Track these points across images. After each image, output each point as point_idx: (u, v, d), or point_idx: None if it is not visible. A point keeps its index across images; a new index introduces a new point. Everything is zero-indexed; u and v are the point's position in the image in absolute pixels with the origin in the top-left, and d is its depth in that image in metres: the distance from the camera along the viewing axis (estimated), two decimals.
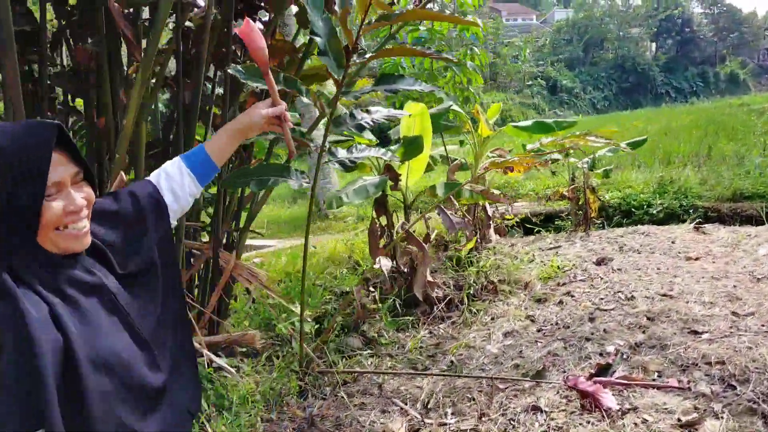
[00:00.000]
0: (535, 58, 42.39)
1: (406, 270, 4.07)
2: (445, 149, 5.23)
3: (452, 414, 2.81)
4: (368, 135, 3.94)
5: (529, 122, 4.78)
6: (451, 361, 3.35)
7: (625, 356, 3.07)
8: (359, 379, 3.19)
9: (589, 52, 45.50)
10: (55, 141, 1.00)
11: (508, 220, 5.66)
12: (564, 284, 4.35)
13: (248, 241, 7.77)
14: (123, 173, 2.08)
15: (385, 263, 2.99)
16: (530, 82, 40.32)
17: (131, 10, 2.34)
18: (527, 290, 4.29)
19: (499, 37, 41.56)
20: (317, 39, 2.26)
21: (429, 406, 2.91)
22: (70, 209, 1.03)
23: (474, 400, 2.90)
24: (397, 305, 3.93)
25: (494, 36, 40.62)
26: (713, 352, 2.89)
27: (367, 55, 2.23)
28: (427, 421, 2.77)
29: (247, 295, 4.20)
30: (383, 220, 4.11)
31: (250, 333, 2.95)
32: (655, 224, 6.42)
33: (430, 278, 3.92)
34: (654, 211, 6.89)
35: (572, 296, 4.07)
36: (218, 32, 2.75)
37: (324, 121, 2.62)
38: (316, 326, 3.43)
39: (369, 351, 3.52)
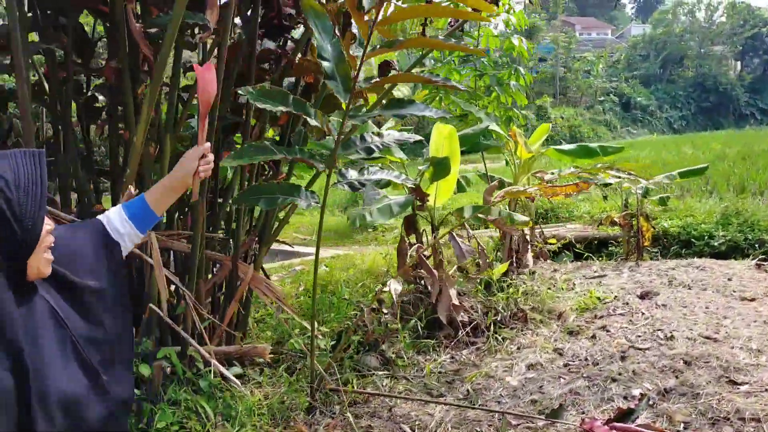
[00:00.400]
0: (608, 74, 40.99)
1: (431, 291, 3.99)
2: (485, 169, 5.12)
3: None
4: (399, 153, 3.93)
5: (572, 146, 4.61)
6: (468, 390, 3.25)
7: (651, 402, 2.88)
8: (370, 401, 3.16)
9: (667, 69, 43.50)
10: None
11: (551, 244, 5.46)
12: (601, 317, 4.14)
13: (296, 249, 7.92)
14: (132, 186, 2.16)
15: (395, 287, 2.95)
16: (602, 98, 39.01)
17: (152, 30, 2.44)
18: (560, 321, 4.11)
19: (571, 51, 40.52)
20: (325, 63, 2.27)
21: None
22: (49, 229, 1.13)
23: None
24: (420, 327, 3.86)
25: (565, 50, 39.63)
26: (749, 407, 2.66)
27: (373, 80, 2.22)
28: None
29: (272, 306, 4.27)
30: (413, 239, 4.07)
31: (261, 346, 2.98)
32: (715, 257, 6.01)
33: (455, 301, 3.83)
34: (716, 243, 6.45)
35: (607, 331, 3.87)
36: (243, 52, 2.82)
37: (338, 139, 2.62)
38: (332, 342, 3.42)
39: (386, 372, 3.47)
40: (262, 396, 2.98)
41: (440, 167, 3.63)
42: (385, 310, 3.07)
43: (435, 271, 3.10)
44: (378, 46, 2.09)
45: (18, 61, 2.03)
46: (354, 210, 3.75)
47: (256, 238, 3.31)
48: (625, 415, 2.77)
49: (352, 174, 2.64)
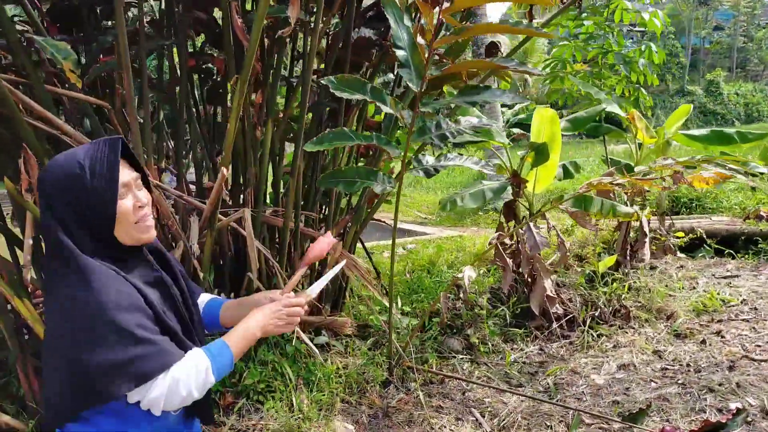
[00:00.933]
0: None
1: (528, 280, 3.91)
2: (606, 154, 4.82)
3: None
4: (501, 138, 3.87)
5: (704, 131, 4.16)
6: (549, 384, 3.18)
7: (750, 419, 2.60)
8: (446, 382, 3.23)
9: None
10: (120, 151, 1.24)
11: (678, 237, 4.99)
12: (719, 321, 3.75)
13: (410, 226, 8.09)
14: (224, 169, 2.43)
15: (469, 273, 2.94)
16: None
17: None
18: (668, 322, 3.80)
19: (755, 18, 35.40)
20: (399, 52, 2.34)
21: (504, 424, 2.83)
22: (138, 204, 1.26)
23: (551, 429, 2.75)
24: (509, 315, 3.82)
25: (748, 17, 34.73)
26: None
27: (442, 69, 2.24)
28: None
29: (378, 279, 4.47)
30: (512, 225, 4.00)
31: (341, 319, 3.18)
32: None
33: (550, 292, 3.72)
34: None
35: (722, 337, 3.51)
36: (338, 41, 2.98)
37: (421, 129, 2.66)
38: (415, 322, 3.52)
39: (468, 356, 3.51)
40: (342, 366, 3.19)
41: (539, 153, 3.51)
42: (463, 296, 3.10)
43: (509, 260, 3.04)
44: (448, 33, 2.10)
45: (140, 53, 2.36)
46: (447, 195, 3.78)
47: (352, 217, 3.49)
48: (712, 429, 2.55)
49: (429, 160, 2.69)
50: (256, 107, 3.08)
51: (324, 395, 2.98)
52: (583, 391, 3.09)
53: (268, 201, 3.50)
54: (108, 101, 2.65)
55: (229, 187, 3.24)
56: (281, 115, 3.31)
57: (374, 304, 3.75)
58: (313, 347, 2.86)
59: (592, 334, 3.68)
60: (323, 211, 3.65)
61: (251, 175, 3.05)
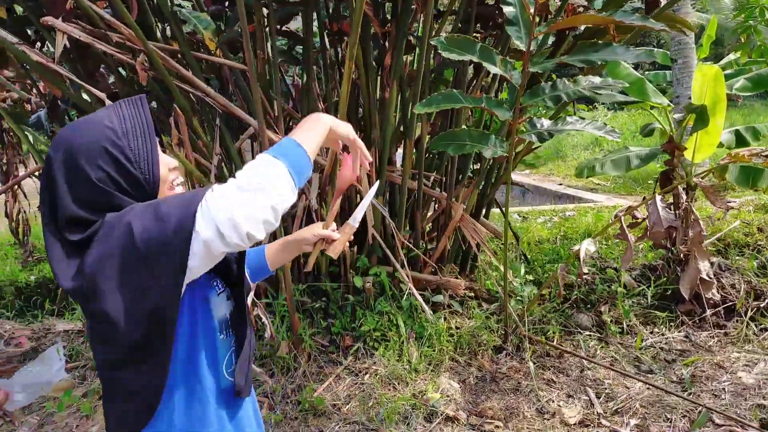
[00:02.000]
0: None
1: (683, 259, 3.48)
2: None
3: (635, 426, 2.49)
4: (659, 98, 3.46)
5: None
6: (684, 375, 2.84)
7: None
8: (564, 357, 3.07)
9: None
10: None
11: None
12: None
13: (578, 192, 7.59)
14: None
15: (586, 247, 2.69)
16: None
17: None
18: None
19: None
20: (508, 9, 2.21)
21: (618, 409, 2.63)
22: (171, 166, 1.12)
23: (671, 422, 2.48)
24: (651, 296, 3.45)
25: None
26: None
27: (552, 24, 2.06)
28: (604, 422, 2.55)
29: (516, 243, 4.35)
30: (669, 198, 3.57)
31: (455, 280, 3.19)
32: None
33: (707, 276, 3.27)
34: None
35: None
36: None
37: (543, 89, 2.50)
38: (535, 291, 3.36)
39: (597, 334, 3.28)
40: (456, 326, 3.22)
41: (699, 116, 3.05)
42: (585, 270, 2.87)
43: (631, 238, 2.70)
44: None
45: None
46: (585, 161, 3.49)
47: (476, 181, 3.45)
48: None
49: (545, 124, 2.53)
50: (385, 70, 3.18)
51: (434, 351, 3.06)
52: (724, 389, 2.71)
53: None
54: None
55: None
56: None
57: (495, 270, 3.67)
58: (423, 304, 2.93)
59: (753, 328, 3.17)
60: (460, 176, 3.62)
61: (375, 136, 3.17)
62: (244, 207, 0.90)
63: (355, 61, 2.95)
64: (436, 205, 3.53)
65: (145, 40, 2.36)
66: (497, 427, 2.58)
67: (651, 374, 2.92)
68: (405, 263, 3.02)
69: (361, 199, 1.26)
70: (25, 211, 4.92)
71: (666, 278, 3.53)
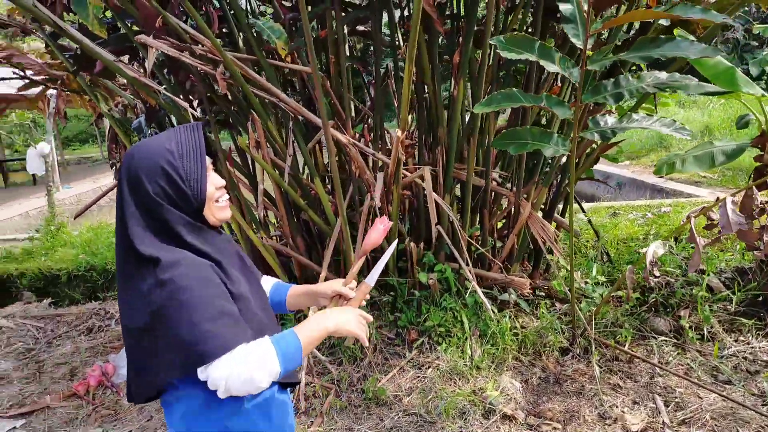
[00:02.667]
0: None
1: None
2: None
3: None
4: (752, 88, 3.22)
5: None
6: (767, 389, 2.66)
7: None
8: (635, 363, 2.97)
9: None
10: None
11: None
12: None
13: (680, 186, 7.11)
14: (398, 131, 2.67)
15: (654, 249, 2.55)
16: None
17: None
18: None
19: None
20: (565, 6, 2.18)
21: (686, 419, 2.53)
22: (218, 185, 1.27)
23: None
24: (739, 301, 3.22)
25: None
26: None
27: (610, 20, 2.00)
28: (668, 431, 2.46)
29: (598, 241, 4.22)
30: (765, 195, 3.31)
31: (520, 279, 3.16)
32: None
33: None
34: None
35: None
36: None
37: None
38: (610, 294, 3.24)
39: (674, 340, 3.13)
40: (521, 326, 3.21)
41: None
42: (656, 273, 2.74)
43: (699, 240, 2.52)
44: None
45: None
46: (663, 157, 3.30)
47: (550, 177, 3.39)
48: None
49: (609, 121, 2.45)
50: (454, 67, 3.21)
51: (497, 350, 3.08)
52: None
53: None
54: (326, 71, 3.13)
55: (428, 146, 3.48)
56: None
57: (564, 270, 3.59)
58: (486, 301, 2.95)
59: None
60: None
61: (441, 134, 3.22)
62: (236, 388, 1.12)
63: (421, 60, 3.03)
64: (505, 203, 3.52)
65: (222, 52, 2.58)
66: (555, 428, 2.57)
67: (729, 385, 2.75)
68: (469, 261, 3.06)
69: (380, 257, 1.40)
70: None
71: (757, 283, 3.29)
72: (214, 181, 1.26)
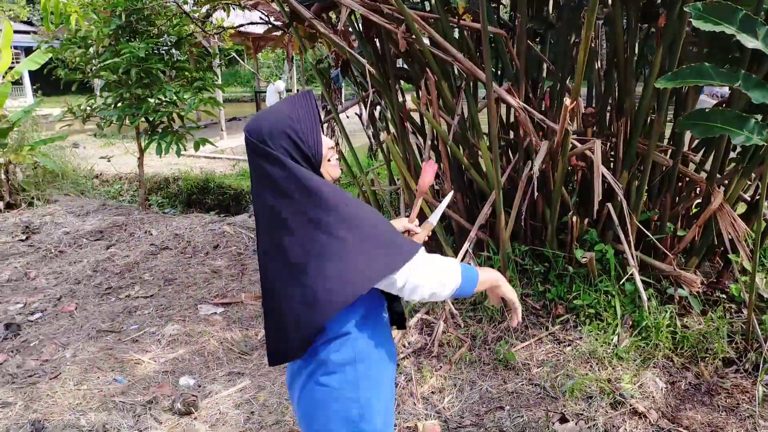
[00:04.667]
0: None
1: None
2: None
3: None
4: None
5: None
6: None
7: None
8: None
9: None
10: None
11: None
12: None
13: None
14: (568, 100, 2.56)
15: None
16: None
17: None
18: None
19: None
20: None
21: None
22: (330, 146, 1.40)
23: None
24: None
25: None
26: None
27: None
28: None
29: None
30: None
31: (690, 275, 2.83)
32: None
33: None
34: None
35: None
36: None
37: None
38: None
39: None
40: (682, 325, 2.93)
41: None
42: None
43: None
44: None
45: None
46: None
47: (742, 167, 2.94)
48: None
49: None
50: (657, 33, 2.92)
51: (647, 344, 2.88)
52: None
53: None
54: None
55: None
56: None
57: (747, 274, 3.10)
58: (642, 291, 2.75)
59: None
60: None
61: (628, 105, 2.98)
62: (426, 288, 1.30)
63: (615, 25, 2.81)
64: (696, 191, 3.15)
65: (405, 10, 2.73)
66: None
67: None
68: (632, 244, 2.86)
69: (440, 202, 1.50)
70: (338, 143, 6.08)
71: None
72: (326, 143, 1.38)
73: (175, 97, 5.56)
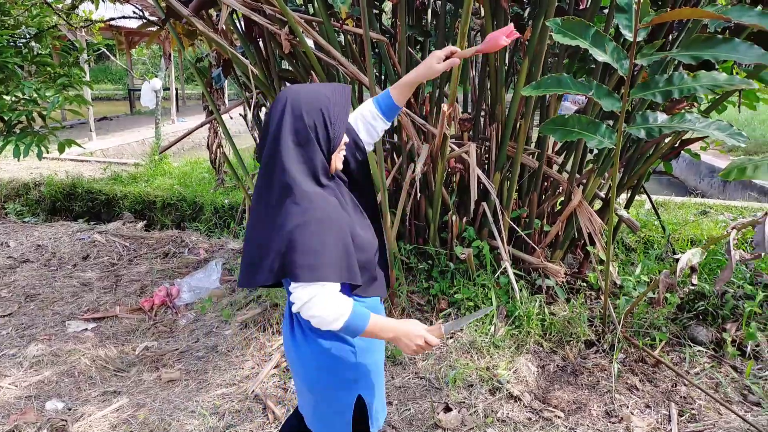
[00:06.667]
0: None
1: None
2: None
3: None
4: None
5: None
6: None
7: None
8: (660, 368, 2.89)
9: None
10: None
11: None
12: None
13: None
14: (446, 106, 2.70)
15: (688, 257, 2.40)
16: None
17: None
18: None
19: None
20: None
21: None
22: (346, 140, 1.51)
23: None
24: None
25: None
26: None
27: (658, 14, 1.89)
28: None
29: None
30: None
31: (554, 266, 3.13)
32: None
33: None
34: None
35: None
36: None
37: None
38: (644, 294, 3.11)
39: (712, 352, 2.99)
40: (549, 312, 3.20)
41: None
42: (694, 281, 2.60)
43: (737, 255, 2.34)
44: None
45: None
46: (735, 161, 3.04)
47: (605, 167, 3.28)
48: None
49: (659, 119, 2.33)
50: (523, 46, 3.16)
51: (520, 332, 3.11)
52: None
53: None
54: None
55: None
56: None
57: (602, 263, 3.48)
58: (514, 283, 2.97)
59: None
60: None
61: (498, 111, 3.20)
62: (309, 313, 1.36)
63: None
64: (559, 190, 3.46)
65: (288, 12, 2.72)
66: (557, 416, 2.60)
67: (756, 407, 2.62)
68: (505, 240, 3.08)
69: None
70: (221, 145, 5.88)
71: None
72: (344, 136, 1.50)
73: (35, 95, 5.06)
